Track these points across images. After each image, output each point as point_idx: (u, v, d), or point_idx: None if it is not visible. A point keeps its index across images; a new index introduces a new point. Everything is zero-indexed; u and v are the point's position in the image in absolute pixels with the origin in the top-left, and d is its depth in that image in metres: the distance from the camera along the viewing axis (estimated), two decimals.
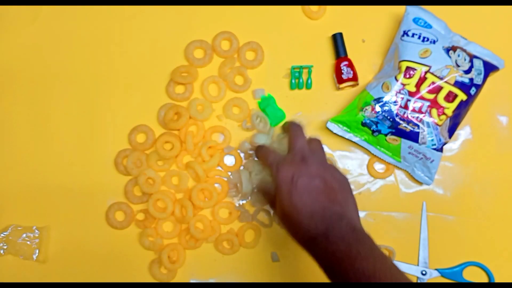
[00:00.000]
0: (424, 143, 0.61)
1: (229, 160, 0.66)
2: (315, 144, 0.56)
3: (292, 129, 0.57)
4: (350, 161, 0.66)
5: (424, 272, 0.63)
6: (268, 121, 0.65)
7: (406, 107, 0.60)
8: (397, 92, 0.61)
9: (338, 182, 0.51)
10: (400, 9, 0.67)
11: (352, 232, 0.47)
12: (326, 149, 0.66)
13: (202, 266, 0.64)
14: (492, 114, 0.67)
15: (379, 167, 0.66)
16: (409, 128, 0.61)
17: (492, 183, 0.65)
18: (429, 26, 0.62)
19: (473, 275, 0.63)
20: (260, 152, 0.59)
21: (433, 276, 0.63)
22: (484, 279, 0.63)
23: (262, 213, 0.65)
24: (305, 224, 0.48)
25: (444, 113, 0.61)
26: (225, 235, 0.64)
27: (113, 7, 0.70)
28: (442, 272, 0.63)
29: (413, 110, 0.60)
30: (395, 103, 0.61)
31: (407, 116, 0.60)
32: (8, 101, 0.69)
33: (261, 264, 0.64)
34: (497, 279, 0.63)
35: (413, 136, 0.61)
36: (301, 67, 0.66)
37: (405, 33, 0.62)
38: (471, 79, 0.61)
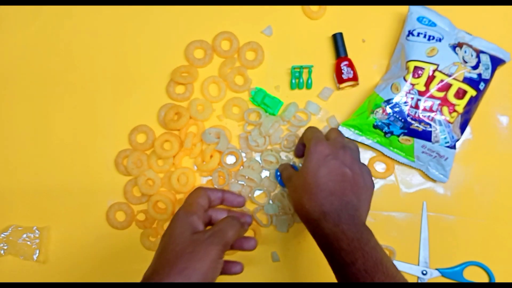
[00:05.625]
0: (437, 141, 0.60)
1: (229, 160, 0.65)
2: (355, 144, 0.57)
3: (314, 130, 0.58)
4: None
5: (424, 272, 0.62)
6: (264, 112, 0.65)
7: (417, 106, 0.59)
8: (406, 93, 0.60)
9: (364, 182, 0.53)
10: (400, 8, 0.66)
11: (363, 225, 0.49)
12: None
13: None
14: (492, 113, 0.65)
15: (379, 167, 0.65)
16: (421, 127, 0.59)
17: (492, 183, 0.64)
18: (434, 24, 0.61)
19: (473, 275, 0.62)
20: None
21: (434, 276, 0.62)
22: (484, 279, 0.62)
23: (261, 212, 0.64)
24: (321, 198, 0.49)
25: (455, 110, 0.60)
26: None
27: (113, 7, 0.68)
28: (442, 272, 0.62)
29: (424, 109, 0.59)
30: (405, 104, 0.60)
31: (419, 116, 0.59)
32: (8, 101, 0.68)
33: (261, 264, 0.64)
34: (498, 279, 0.62)
35: (425, 135, 0.60)
36: (301, 67, 0.65)
37: (410, 32, 0.61)
38: (479, 74, 0.60)
